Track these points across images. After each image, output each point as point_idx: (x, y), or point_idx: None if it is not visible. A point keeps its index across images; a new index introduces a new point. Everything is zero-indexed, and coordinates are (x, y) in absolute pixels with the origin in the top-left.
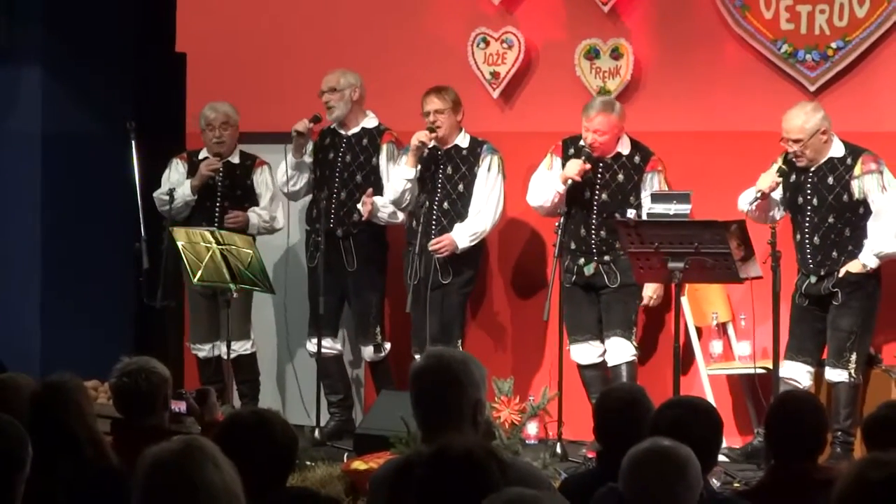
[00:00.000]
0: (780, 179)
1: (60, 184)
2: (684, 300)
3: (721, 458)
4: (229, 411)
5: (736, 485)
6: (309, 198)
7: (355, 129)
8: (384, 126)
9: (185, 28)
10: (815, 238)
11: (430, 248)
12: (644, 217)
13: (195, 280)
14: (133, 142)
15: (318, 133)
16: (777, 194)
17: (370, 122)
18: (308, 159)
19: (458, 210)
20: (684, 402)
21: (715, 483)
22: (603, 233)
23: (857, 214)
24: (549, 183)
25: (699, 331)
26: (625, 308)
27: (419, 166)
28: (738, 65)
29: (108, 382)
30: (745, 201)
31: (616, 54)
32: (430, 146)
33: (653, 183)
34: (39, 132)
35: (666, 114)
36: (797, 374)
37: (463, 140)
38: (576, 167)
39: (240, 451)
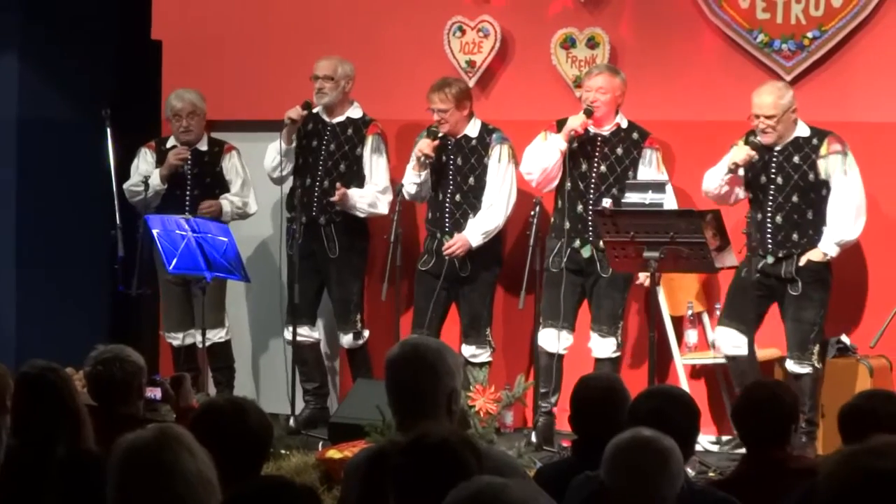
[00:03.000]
0: (754, 152)
1: (35, 170)
2: (660, 290)
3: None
4: (204, 399)
5: (711, 474)
6: (288, 186)
7: (340, 118)
8: (369, 117)
9: (160, 15)
10: (778, 218)
11: (443, 253)
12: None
13: (170, 268)
14: (108, 129)
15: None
16: (741, 172)
17: (355, 112)
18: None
19: (471, 202)
20: (662, 391)
21: (690, 472)
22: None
23: (819, 196)
24: (549, 145)
25: (674, 320)
26: (612, 304)
27: (428, 169)
28: (714, 54)
29: (82, 370)
30: (717, 176)
31: (592, 43)
32: (432, 157)
33: (651, 160)
34: (15, 118)
35: (641, 103)
36: (732, 339)
37: (472, 129)
38: (578, 120)
39: (215, 438)
